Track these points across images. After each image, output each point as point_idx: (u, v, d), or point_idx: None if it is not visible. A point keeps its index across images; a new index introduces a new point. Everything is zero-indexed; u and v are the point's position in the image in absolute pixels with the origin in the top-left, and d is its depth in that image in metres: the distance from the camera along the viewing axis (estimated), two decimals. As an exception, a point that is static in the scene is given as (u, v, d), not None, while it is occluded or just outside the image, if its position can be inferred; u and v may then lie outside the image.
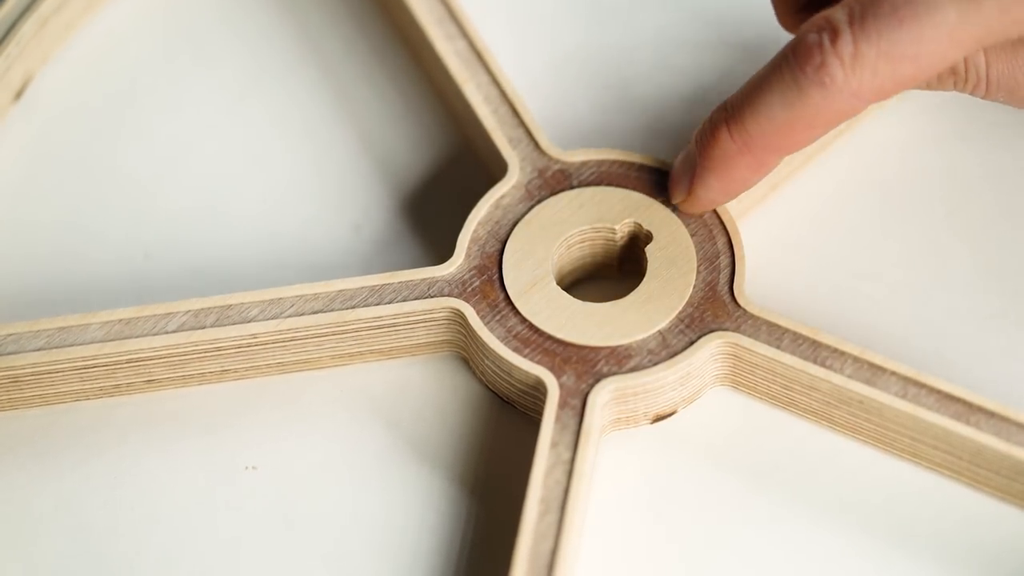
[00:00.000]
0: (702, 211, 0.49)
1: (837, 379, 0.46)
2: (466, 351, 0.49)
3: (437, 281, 0.49)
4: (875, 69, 0.42)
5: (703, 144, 0.47)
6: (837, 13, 0.43)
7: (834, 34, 0.42)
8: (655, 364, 0.47)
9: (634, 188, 0.50)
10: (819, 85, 0.43)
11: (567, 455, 0.46)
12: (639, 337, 0.47)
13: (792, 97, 0.44)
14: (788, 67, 0.43)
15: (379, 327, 0.48)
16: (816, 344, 0.47)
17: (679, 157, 0.49)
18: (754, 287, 0.50)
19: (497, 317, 0.48)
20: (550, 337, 0.48)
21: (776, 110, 0.44)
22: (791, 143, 0.45)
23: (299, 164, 0.55)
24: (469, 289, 0.49)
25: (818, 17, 0.43)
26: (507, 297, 0.48)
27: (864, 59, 0.42)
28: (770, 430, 0.48)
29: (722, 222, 0.49)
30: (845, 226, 0.51)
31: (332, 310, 0.48)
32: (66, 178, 0.55)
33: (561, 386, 0.47)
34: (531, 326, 0.48)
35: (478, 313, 0.48)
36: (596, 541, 0.46)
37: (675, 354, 0.47)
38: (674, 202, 0.49)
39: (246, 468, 0.48)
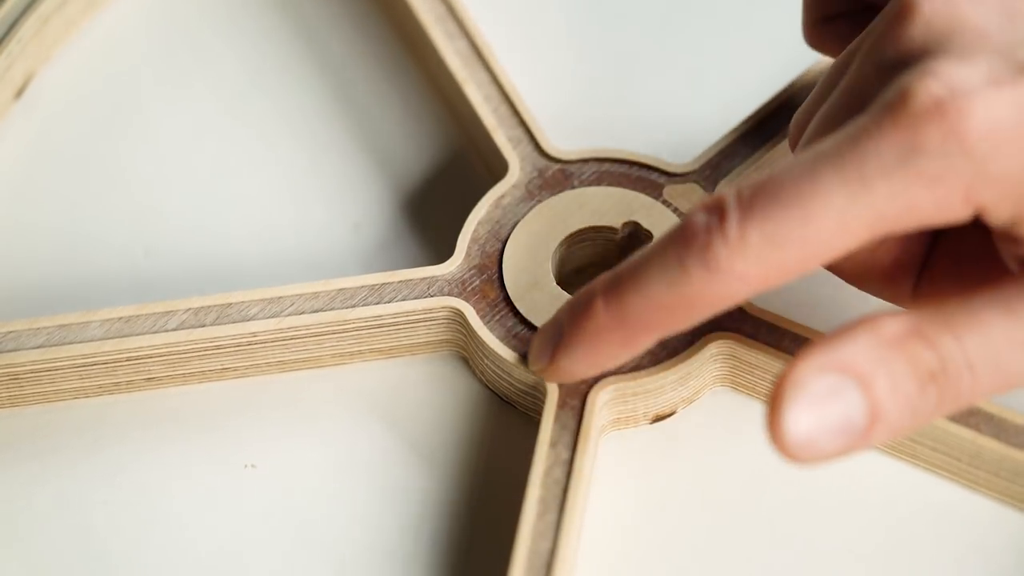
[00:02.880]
0: (561, 382, 0.47)
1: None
2: (466, 351, 0.49)
3: (437, 280, 0.49)
4: (760, 253, 0.40)
5: (575, 314, 0.44)
6: (727, 194, 0.41)
7: (721, 216, 0.40)
8: (655, 364, 0.47)
9: (634, 188, 0.50)
10: (703, 266, 0.40)
11: (566, 455, 0.46)
12: (639, 337, 0.47)
13: (675, 277, 0.41)
14: (673, 246, 0.41)
15: (379, 326, 0.48)
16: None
17: (544, 324, 0.46)
18: (754, 287, 0.50)
19: (497, 317, 0.48)
20: (550, 337, 0.48)
21: (657, 288, 0.42)
22: (668, 324, 0.42)
23: (299, 163, 0.55)
24: (469, 288, 0.49)
25: (709, 198, 0.41)
26: (507, 297, 0.48)
27: (749, 242, 0.40)
28: (770, 431, 0.48)
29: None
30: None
31: (332, 309, 0.48)
32: (67, 176, 0.55)
33: (560, 386, 0.47)
34: (531, 326, 0.48)
35: (478, 313, 0.48)
36: (595, 541, 0.46)
37: (675, 354, 0.47)
38: (531, 370, 0.47)
39: (245, 466, 0.48)
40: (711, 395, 0.49)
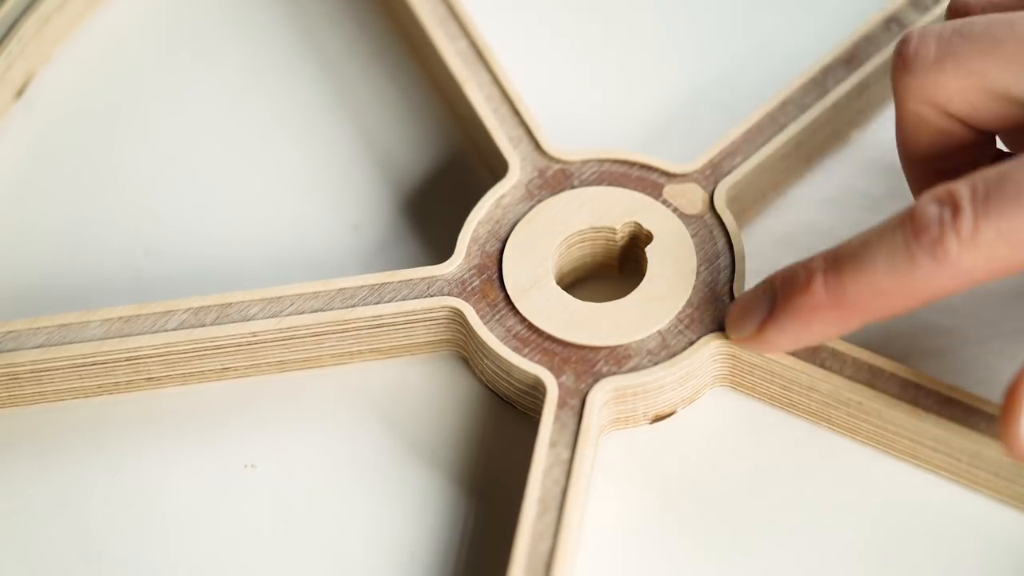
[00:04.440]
0: (761, 353, 0.47)
1: (836, 380, 0.46)
2: (466, 350, 0.49)
3: (437, 280, 0.49)
4: (992, 251, 0.41)
5: (790, 287, 0.44)
6: (961, 188, 0.41)
7: (956, 210, 0.41)
8: (655, 364, 0.47)
9: (634, 188, 0.50)
10: (931, 258, 0.41)
11: (566, 455, 0.46)
12: (639, 337, 0.47)
13: (900, 265, 0.42)
14: (903, 234, 0.42)
15: (379, 326, 0.48)
16: (815, 344, 0.47)
17: (750, 291, 0.46)
18: (754, 288, 0.50)
19: (497, 317, 0.48)
20: (549, 337, 0.48)
21: (880, 274, 0.42)
22: (884, 310, 0.43)
23: (299, 163, 0.55)
24: (469, 288, 0.49)
25: (940, 189, 0.42)
26: (507, 297, 0.48)
27: (982, 240, 0.41)
28: (770, 430, 0.48)
29: (722, 223, 0.49)
30: (845, 228, 0.51)
31: (332, 309, 0.48)
32: (67, 176, 0.55)
33: (560, 386, 0.47)
34: (530, 326, 0.48)
35: (478, 312, 0.48)
36: (594, 541, 0.46)
37: (675, 354, 0.47)
38: (730, 336, 0.47)
39: (245, 466, 0.48)
40: (711, 395, 0.49)
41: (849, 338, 0.47)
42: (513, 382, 0.48)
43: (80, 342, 0.48)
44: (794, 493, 0.47)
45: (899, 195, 0.51)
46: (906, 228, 0.42)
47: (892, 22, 0.53)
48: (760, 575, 0.46)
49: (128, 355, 0.48)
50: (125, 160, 0.55)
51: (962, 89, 0.44)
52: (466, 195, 0.52)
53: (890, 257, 0.42)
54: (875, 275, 0.42)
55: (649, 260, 0.49)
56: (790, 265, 0.45)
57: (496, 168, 0.52)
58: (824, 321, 0.44)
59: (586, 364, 0.47)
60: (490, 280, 0.49)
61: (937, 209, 0.41)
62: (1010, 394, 0.41)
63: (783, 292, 0.44)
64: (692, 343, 0.47)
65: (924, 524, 0.46)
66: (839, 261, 0.43)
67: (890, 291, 0.42)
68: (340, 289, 0.49)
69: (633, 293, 0.48)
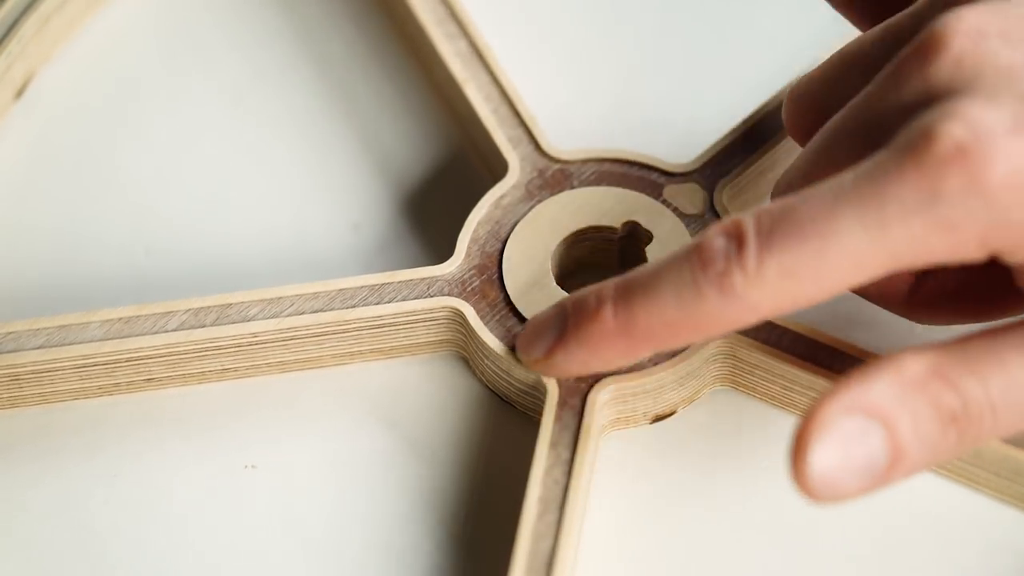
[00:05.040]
0: (550, 376, 0.47)
1: (836, 380, 0.46)
2: (466, 351, 0.49)
3: (437, 280, 0.49)
4: (775, 286, 0.40)
5: (580, 313, 0.44)
6: (747, 221, 0.41)
7: (740, 243, 0.40)
8: (655, 364, 0.47)
9: (634, 188, 0.50)
10: (718, 291, 0.41)
11: (566, 455, 0.46)
12: (639, 337, 0.47)
13: (687, 296, 0.41)
14: (690, 266, 0.41)
15: (379, 326, 0.48)
16: (816, 344, 0.47)
17: (542, 313, 0.46)
18: (754, 287, 0.50)
19: (497, 317, 0.48)
20: (550, 337, 0.48)
21: (668, 305, 0.42)
22: (672, 340, 0.43)
23: (299, 163, 0.55)
24: (469, 289, 0.49)
25: (728, 220, 0.41)
26: (507, 297, 0.48)
27: (765, 275, 0.40)
28: (770, 430, 0.48)
29: (722, 222, 0.49)
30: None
31: (332, 309, 0.48)
32: (67, 176, 0.55)
33: (560, 386, 0.47)
34: (531, 326, 0.48)
35: (478, 313, 0.48)
36: (595, 541, 0.46)
37: (675, 354, 0.47)
38: (521, 357, 0.46)
39: (245, 467, 0.48)
40: (711, 395, 0.49)
41: (849, 338, 0.47)
42: (513, 382, 0.48)
43: (80, 343, 0.48)
44: (793, 494, 0.47)
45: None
46: (693, 260, 0.41)
47: (892, 21, 0.53)
48: (760, 575, 0.46)
49: (128, 356, 0.48)
50: (125, 160, 0.55)
51: None
52: (466, 195, 0.52)
53: (678, 289, 0.41)
54: (664, 306, 0.42)
55: (649, 260, 0.49)
56: (581, 290, 0.44)
57: (496, 168, 0.52)
58: (613, 349, 0.43)
59: (586, 364, 0.47)
60: (490, 280, 0.49)
61: (724, 242, 0.41)
62: (802, 424, 0.39)
63: (573, 318, 0.44)
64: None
65: (924, 524, 0.46)
66: (629, 291, 0.43)
67: (678, 322, 0.42)
68: (340, 289, 0.48)
69: (633, 293, 0.48)
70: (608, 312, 0.43)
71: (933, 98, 0.40)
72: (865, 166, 0.40)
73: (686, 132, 0.54)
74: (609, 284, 0.43)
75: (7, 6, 0.55)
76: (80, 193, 0.54)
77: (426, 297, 0.48)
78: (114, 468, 0.48)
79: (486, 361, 0.48)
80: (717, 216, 0.49)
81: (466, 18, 0.54)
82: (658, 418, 0.48)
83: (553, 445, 0.46)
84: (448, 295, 0.49)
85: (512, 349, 0.47)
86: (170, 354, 0.48)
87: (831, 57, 0.46)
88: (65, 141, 0.55)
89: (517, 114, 0.52)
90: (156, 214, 0.53)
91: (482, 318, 0.48)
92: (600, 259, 0.51)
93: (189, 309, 0.48)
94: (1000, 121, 0.39)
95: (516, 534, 0.44)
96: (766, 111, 0.51)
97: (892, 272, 0.40)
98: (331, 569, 0.46)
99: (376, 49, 0.57)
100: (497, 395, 0.49)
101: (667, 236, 0.49)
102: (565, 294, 0.48)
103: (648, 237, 0.49)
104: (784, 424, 0.48)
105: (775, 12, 0.57)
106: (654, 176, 0.51)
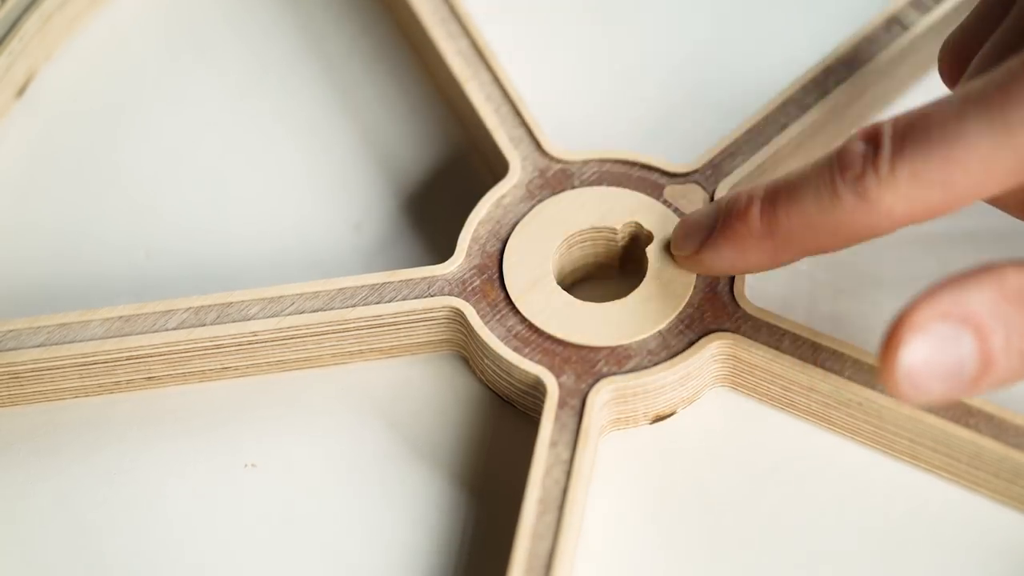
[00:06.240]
0: (700, 272, 0.48)
1: (836, 381, 0.46)
2: (466, 350, 0.49)
3: (437, 280, 0.49)
4: (907, 191, 0.41)
5: (730, 213, 0.45)
6: (885, 125, 0.41)
7: (876, 148, 0.41)
8: (655, 364, 0.47)
9: (635, 188, 0.50)
10: (854, 195, 0.41)
11: (566, 455, 0.46)
12: (639, 337, 0.47)
13: (827, 200, 0.42)
14: (830, 169, 0.42)
15: (379, 326, 0.48)
16: (816, 346, 0.47)
17: (699, 210, 0.47)
18: (754, 288, 0.50)
19: (497, 316, 0.48)
20: (550, 337, 0.48)
21: (809, 208, 0.43)
22: (814, 245, 0.44)
23: (300, 162, 0.55)
24: (469, 288, 0.49)
25: (870, 127, 0.42)
26: (507, 297, 0.48)
27: (898, 179, 0.41)
28: (770, 431, 0.48)
29: (723, 223, 0.49)
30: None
31: (332, 308, 0.48)
32: (68, 175, 0.55)
33: (560, 386, 0.47)
34: (531, 326, 0.48)
35: (478, 312, 0.48)
36: (594, 541, 0.46)
37: (675, 354, 0.47)
38: (674, 252, 0.48)
39: (246, 466, 0.48)
40: (711, 395, 0.49)
41: (849, 339, 0.47)
42: (513, 382, 0.48)
43: (81, 341, 0.48)
44: (794, 493, 0.47)
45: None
46: (833, 164, 0.42)
47: (893, 22, 0.53)
48: (760, 575, 0.46)
49: (128, 354, 0.48)
50: (126, 159, 0.55)
51: None
52: (467, 195, 0.52)
53: (818, 191, 0.42)
54: (805, 208, 0.43)
55: (650, 260, 0.49)
56: (737, 191, 0.45)
57: (497, 168, 0.52)
58: (758, 249, 0.44)
59: (586, 364, 0.47)
60: (490, 280, 0.49)
61: (863, 147, 0.42)
62: (896, 323, 0.40)
63: (724, 217, 0.45)
64: (692, 343, 0.47)
65: (924, 524, 0.46)
66: (775, 191, 0.44)
67: (819, 225, 0.43)
68: (341, 289, 0.49)
69: (633, 293, 0.48)
70: (755, 212, 0.44)
71: None
72: (994, 73, 0.40)
73: (687, 132, 0.54)
74: (760, 186, 0.44)
75: (9, 4, 0.55)
76: (81, 192, 0.54)
77: (426, 296, 0.48)
78: (114, 466, 0.48)
79: (486, 361, 0.48)
80: (718, 216, 0.49)
81: (467, 18, 0.54)
82: (658, 418, 0.48)
83: (553, 445, 0.46)
84: (448, 295, 0.49)
85: (512, 349, 0.47)
86: (170, 353, 0.48)
87: (975, 6, 0.46)
88: (66, 140, 0.56)
89: (518, 114, 0.52)
90: (157, 213, 0.54)
91: (482, 318, 0.48)
92: (601, 259, 0.51)
93: (189, 308, 0.48)
94: None
95: (515, 534, 0.44)
96: (767, 111, 0.51)
97: (1019, 183, 0.40)
98: (331, 568, 0.46)
99: (377, 48, 0.57)
100: (497, 395, 0.49)
101: (668, 236, 0.49)
102: (565, 294, 0.48)
103: (649, 237, 0.49)
104: (784, 424, 0.48)
105: (776, 12, 0.57)
106: (655, 176, 0.51)
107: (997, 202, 0.46)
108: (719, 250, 0.46)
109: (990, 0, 0.46)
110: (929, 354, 0.40)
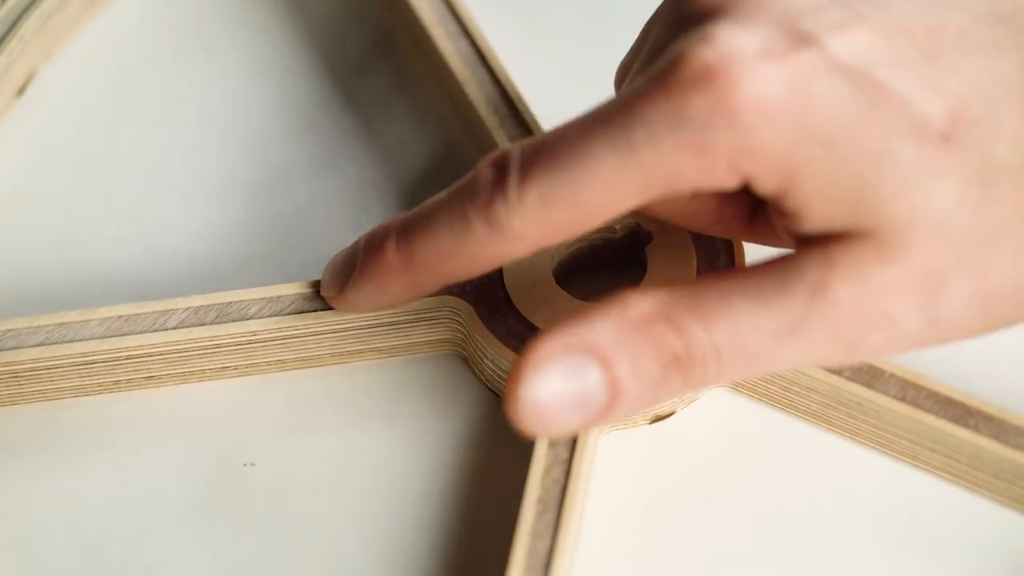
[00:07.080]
0: (349, 312, 0.47)
1: (836, 381, 0.46)
2: (465, 350, 0.49)
3: (437, 280, 0.49)
4: (536, 215, 0.41)
5: (369, 250, 0.45)
6: (512, 151, 0.41)
7: (504, 174, 0.41)
8: (654, 364, 0.47)
9: (635, 188, 0.50)
10: (485, 223, 0.41)
11: (565, 455, 0.46)
12: (638, 337, 0.47)
13: (459, 229, 0.42)
14: (460, 199, 0.42)
15: (378, 325, 0.48)
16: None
17: (343, 251, 0.47)
18: (754, 288, 0.50)
19: (497, 316, 0.48)
20: (549, 336, 0.48)
21: (443, 237, 0.42)
22: (451, 272, 0.43)
23: (300, 161, 0.55)
24: (469, 288, 0.49)
25: (499, 153, 0.42)
26: (507, 296, 0.48)
27: (526, 203, 0.41)
28: (769, 431, 0.48)
29: (722, 223, 0.49)
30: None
31: (332, 308, 0.48)
32: (68, 174, 0.55)
33: (560, 386, 0.47)
34: (531, 325, 0.48)
35: (478, 312, 0.48)
36: (593, 541, 0.46)
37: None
38: (323, 294, 0.47)
39: (245, 465, 0.48)
40: (711, 395, 0.49)
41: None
42: (513, 382, 0.48)
43: (80, 340, 0.48)
44: (794, 493, 0.47)
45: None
46: (463, 192, 0.42)
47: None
48: (759, 575, 0.46)
49: (128, 354, 0.48)
50: (126, 159, 0.55)
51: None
52: (467, 195, 0.52)
53: (451, 221, 0.42)
54: (439, 238, 0.43)
55: (649, 260, 0.49)
56: (376, 226, 0.45)
57: (497, 168, 0.52)
58: (397, 283, 0.44)
59: (586, 364, 0.47)
60: (490, 280, 0.49)
61: (491, 173, 0.41)
62: (520, 360, 0.40)
63: (364, 253, 0.45)
64: (692, 343, 0.47)
65: (923, 525, 0.46)
66: (410, 224, 0.44)
67: (453, 254, 0.42)
68: (340, 288, 0.49)
69: (633, 293, 0.48)
70: (391, 246, 0.44)
71: (695, 21, 0.40)
72: (621, 92, 0.40)
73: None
74: (394, 219, 0.44)
75: (9, 4, 0.55)
76: (81, 191, 0.54)
77: (426, 296, 0.48)
78: (114, 466, 0.48)
79: (486, 361, 0.48)
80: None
81: (467, 17, 0.54)
82: (658, 418, 0.48)
83: (552, 445, 0.46)
84: (448, 294, 0.49)
85: (512, 349, 0.47)
86: (170, 352, 0.48)
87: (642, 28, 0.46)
88: (66, 139, 0.56)
89: (517, 114, 0.52)
90: (157, 211, 0.54)
91: (482, 318, 0.48)
92: (600, 259, 0.50)
93: (189, 307, 0.48)
94: (750, 44, 0.39)
95: (515, 533, 0.44)
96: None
97: (652, 200, 0.40)
98: (329, 566, 0.46)
99: (377, 48, 0.57)
100: (497, 395, 0.49)
101: (667, 236, 0.49)
102: (566, 295, 0.48)
103: (648, 237, 0.49)
104: (784, 424, 0.48)
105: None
106: (654, 176, 0.50)
107: (689, 224, 0.46)
108: (360, 287, 0.45)
109: (645, 31, 0.46)
110: (554, 387, 0.40)
